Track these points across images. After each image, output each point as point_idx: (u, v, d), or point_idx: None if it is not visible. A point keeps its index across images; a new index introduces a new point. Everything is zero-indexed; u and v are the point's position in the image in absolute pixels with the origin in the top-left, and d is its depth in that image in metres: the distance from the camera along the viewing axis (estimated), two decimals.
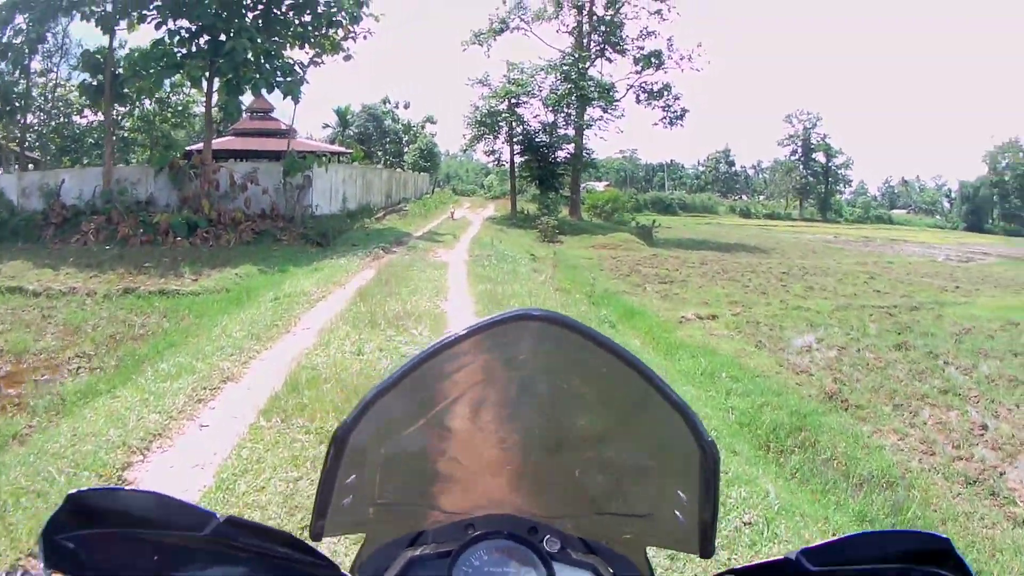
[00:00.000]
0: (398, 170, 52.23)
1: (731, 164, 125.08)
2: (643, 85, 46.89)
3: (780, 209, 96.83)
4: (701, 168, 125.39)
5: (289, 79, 25.36)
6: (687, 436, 0.85)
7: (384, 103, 65.05)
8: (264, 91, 25.84)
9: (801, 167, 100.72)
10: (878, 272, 28.26)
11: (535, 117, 42.58)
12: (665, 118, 47.39)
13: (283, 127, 38.65)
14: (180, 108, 41.47)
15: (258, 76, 24.85)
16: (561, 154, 43.48)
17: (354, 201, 33.29)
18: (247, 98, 29.69)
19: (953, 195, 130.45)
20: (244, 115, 40.63)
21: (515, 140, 42.44)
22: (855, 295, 20.96)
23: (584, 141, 44.16)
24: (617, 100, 44.67)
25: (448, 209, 44.10)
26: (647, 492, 0.99)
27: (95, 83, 26.20)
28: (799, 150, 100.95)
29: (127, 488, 0.83)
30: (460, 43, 45.82)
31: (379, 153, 62.40)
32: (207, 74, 25.41)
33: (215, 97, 26.02)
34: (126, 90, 26.81)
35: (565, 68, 42.26)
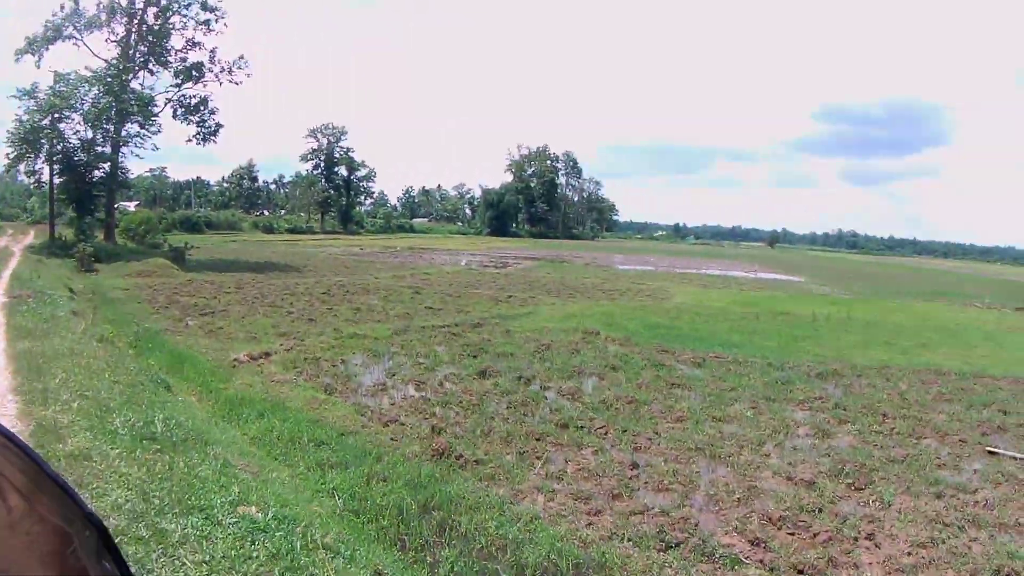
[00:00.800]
0: None
1: (254, 179, 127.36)
2: (181, 99, 46.35)
3: (302, 223, 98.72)
4: (226, 184, 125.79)
5: None
6: (77, 515, 0.90)
7: None
8: None
9: (323, 180, 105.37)
10: (421, 285, 30.28)
11: (75, 134, 40.12)
12: (199, 134, 47.11)
13: None
14: None
15: None
16: (98, 173, 41.51)
17: None
18: None
19: (476, 202, 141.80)
20: None
21: (55, 159, 39.46)
22: (408, 315, 21.14)
23: (120, 159, 42.81)
24: (156, 115, 43.85)
25: None
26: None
27: None
28: (321, 164, 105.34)
29: None
30: (14, 52, 41.54)
31: None
32: None
33: None
34: None
35: (108, 80, 40.46)
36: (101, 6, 43.03)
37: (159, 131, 43.85)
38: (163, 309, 21.17)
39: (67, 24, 42.24)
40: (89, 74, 40.47)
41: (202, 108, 46.69)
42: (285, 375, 13.18)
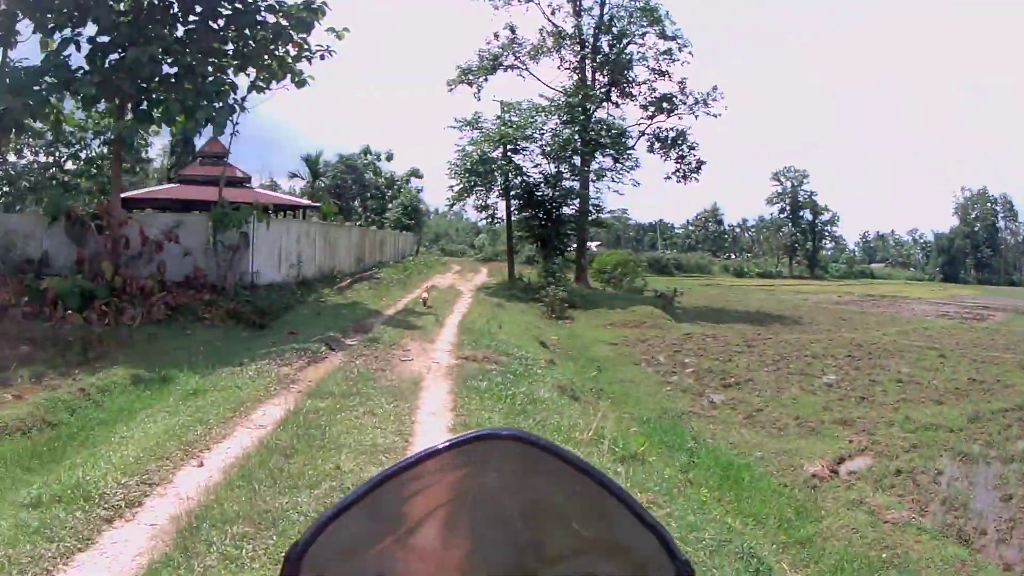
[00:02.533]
0: (372, 228, 45.32)
1: (719, 222, 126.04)
2: (657, 132, 41.53)
3: (771, 267, 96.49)
4: (691, 227, 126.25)
5: (218, 105, 19.12)
6: (660, 554, 0.83)
7: (365, 154, 59.26)
8: (181, 120, 19.50)
9: (790, 224, 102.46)
10: (934, 345, 24.35)
11: (535, 167, 36.53)
12: (679, 171, 41.97)
13: (239, 175, 32.64)
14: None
15: (172, 98, 18.62)
16: (566, 210, 37.13)
17: (312, 266, 26.76)
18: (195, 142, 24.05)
19: (929, 247, 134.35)
20: (198, 161, 35.06)
21: (512, 193, 36.19)
22: (960, 390, 16.81)
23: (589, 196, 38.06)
24: (631, 148, 39.12)
25: (431, 277, 37.28)
26: None
27: None
28: (787, 208, 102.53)
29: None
30: (446, 83, 40.40)
31: (358, 209, 56.39)
32: (112, 97, 19.24)
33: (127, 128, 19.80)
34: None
35: (569, 109, 36.35)
36: (546, 33, 40.72)
37: (636, 166, 39.06)
38: (669, 375, 17.49)
39: (507, 53, 40.25)
40: (544, 103, 36.91)
41: (680, 142, 41.43)
42: (885, 502, 9.37)
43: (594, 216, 39.46)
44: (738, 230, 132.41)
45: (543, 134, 35.90)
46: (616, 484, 0.83)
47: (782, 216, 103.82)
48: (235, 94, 20.25)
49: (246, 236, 20.77)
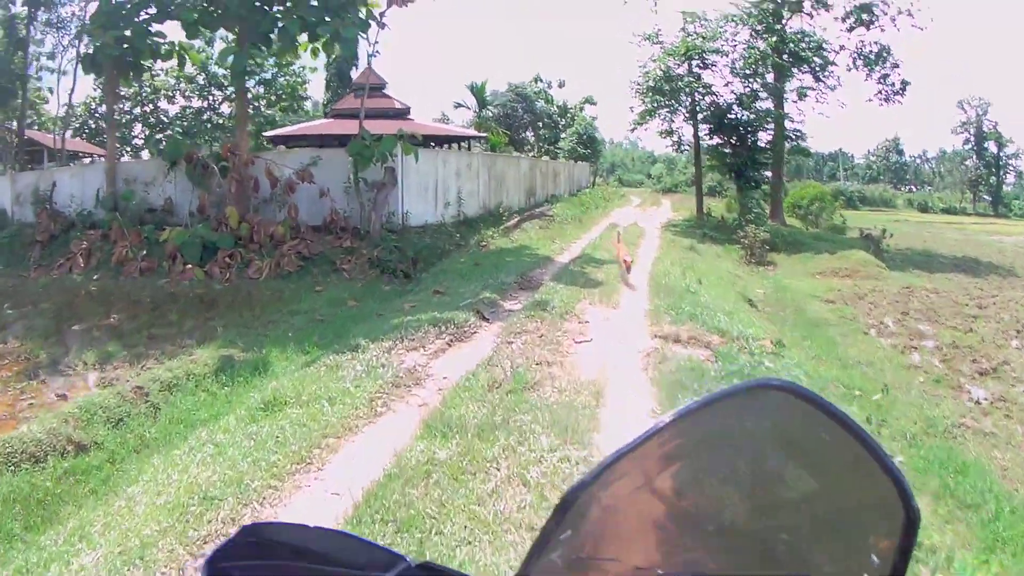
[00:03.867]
0: (544, 158, 41.05)
1: (900, 153, 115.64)
2: (859, 47, 33.95)
3: (954, 202, 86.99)
4: (872, 158, 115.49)
5: (342, 21, 15.77)
6: (895, 500, 0.86)
7: (535, 81, 55.19)
8: (304, 44, 16.44)
9: (974, 157, 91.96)
10: None
11: (726, 85, 31.09)
12: (881, 92, 34.36)
13: (397, 106, 29.72)
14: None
15: (280, 17, 15.56)
16: (763, 135, 31.52)
17: (475, 203, 23.18)
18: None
19: None
20: (352, 94, 32.51)
21: (701, 116, 31.04)
22: None
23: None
24: (832, 63, 32.41)
25: (609, 213, 33.04)
26: (841, 554, 0.95)
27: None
28: (971, 139, 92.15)
29: (310, 525, 0.83)
30: None
31: (530, 139, 52.71)
32: (220, 23, 16.45)
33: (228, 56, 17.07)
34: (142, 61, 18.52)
35: (763, 16, 30.50)
36: None
37: (839, 84, 32.47)
38: (908, 350, 13.25)
39: None
40: (734, 12, 31.14)
41: (883, 60, 34.04)
42: None
43: (793, 143, 33.62)
44: (918, 161, 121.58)
45: (734, 46, 30.59)
46: (867, 432, 0.86)
47: (966, 147, 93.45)
48: (366, 7, 16.90)
49: (393, 171, 17.55)
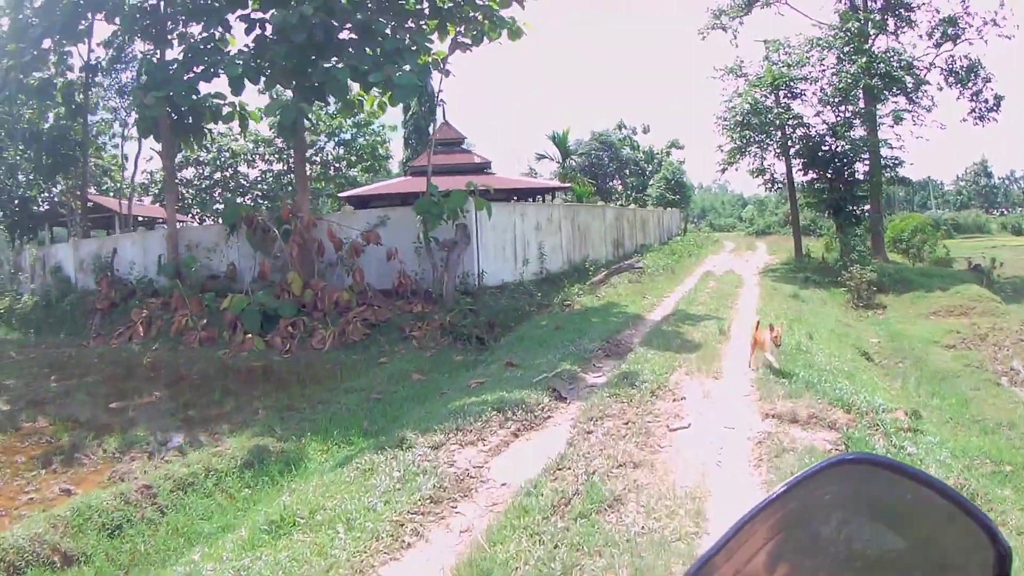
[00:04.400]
0: (631, 207, 39.31)
1: (989, 176, 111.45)
2: (948, 62, 32.19)
3: None
4: (962, 182, 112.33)
5: (397, 68, 14.67)
6: (984, 541, 0.90)
7: (619, 128, 54.27)
8: (360, 92, 15.36)
9: None
10: None
11: (816, 115, 29.17)
12: (974, 110, 32.40)
13: (476, 161, 28.72)
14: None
15: (341, 67, 14.52)
16: (860, 167, 29.05)
17: (558, 258, 21.73)
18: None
19: None
20: (427, 150, 31.66)
21: (793, 150, 29.09)
22: None
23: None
24: (926, 82, 30.46)
25: (703, 260, 31.18)
26: None
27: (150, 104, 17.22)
28: None
29: None
30: (698, 32, 34.09)
31: (617, 188, 51.48)
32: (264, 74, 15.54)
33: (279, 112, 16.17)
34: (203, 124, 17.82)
35: (850, 38, 28.56)
36: None
37: (934, 105, 30.33)
38: None
39: None
40: (819, 36, 29.50)
41: (974, 75, 32.04)
42: None
43: (892, 172, 31.09)
44: (1007, 183, 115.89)
45: (823, 71, 28.69)
46: (951, 488, 0.92)
47: None
48: (428, 56, 15.81)
49: (465, 228, 16.32)
